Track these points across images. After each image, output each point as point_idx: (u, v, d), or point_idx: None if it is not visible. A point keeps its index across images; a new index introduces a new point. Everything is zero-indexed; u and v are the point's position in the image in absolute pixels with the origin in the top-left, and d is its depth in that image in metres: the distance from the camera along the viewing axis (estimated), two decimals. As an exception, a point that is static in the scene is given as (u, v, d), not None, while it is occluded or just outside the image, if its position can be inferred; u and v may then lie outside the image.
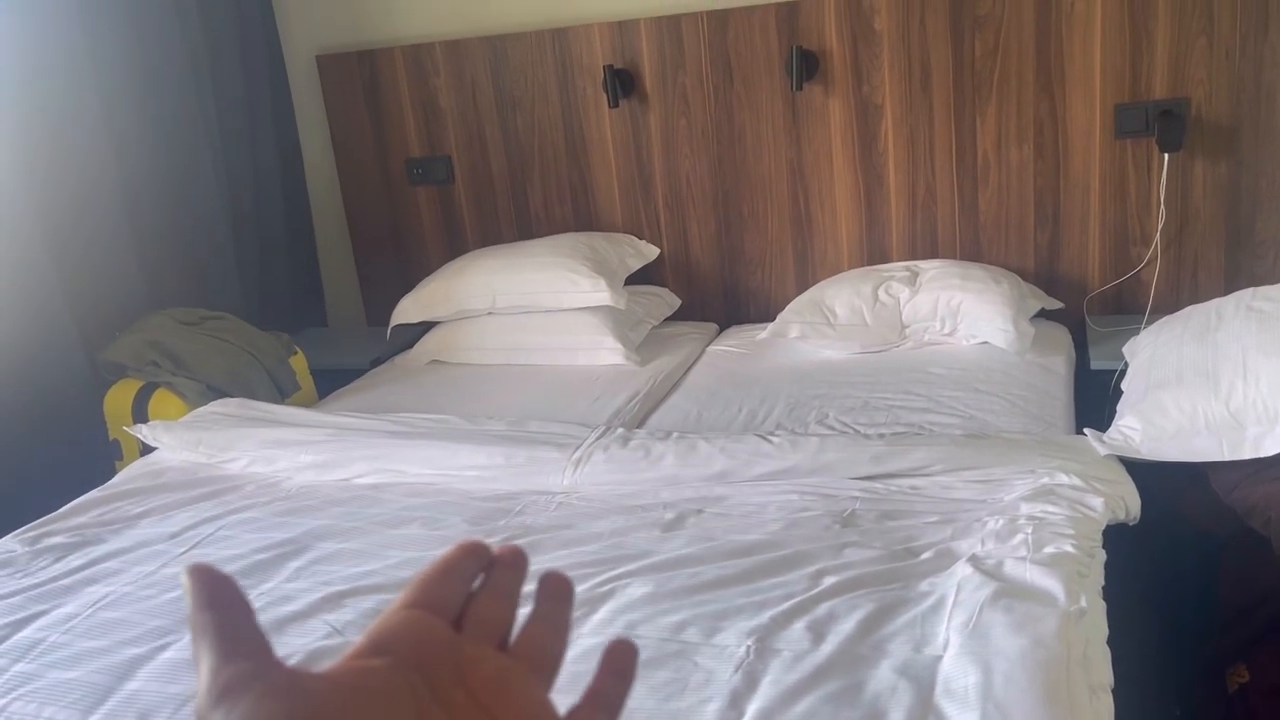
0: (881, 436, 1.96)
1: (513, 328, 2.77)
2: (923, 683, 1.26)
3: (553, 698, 0.39)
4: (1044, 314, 2.65)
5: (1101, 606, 1.43)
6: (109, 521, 1.94)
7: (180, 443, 2.19)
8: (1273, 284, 2.13)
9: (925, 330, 2.56)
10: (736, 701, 1.26)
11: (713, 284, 3.03)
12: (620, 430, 2.08)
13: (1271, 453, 1.76)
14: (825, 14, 2.70)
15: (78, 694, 1.41)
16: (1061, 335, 2.60)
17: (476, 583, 0.41)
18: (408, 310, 2.88)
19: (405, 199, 3.21)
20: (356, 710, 0.33)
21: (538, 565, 1.54)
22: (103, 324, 2.62)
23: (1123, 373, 2.25)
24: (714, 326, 2.98)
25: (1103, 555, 1.56)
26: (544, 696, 0.38)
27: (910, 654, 1.32)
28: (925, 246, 2.81)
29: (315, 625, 1.53)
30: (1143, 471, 1.82)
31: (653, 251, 3.00)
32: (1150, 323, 2.38)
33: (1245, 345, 1.91)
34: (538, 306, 2.75)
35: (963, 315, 2.51)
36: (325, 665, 0.35)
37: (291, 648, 1.48)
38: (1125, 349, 2.32)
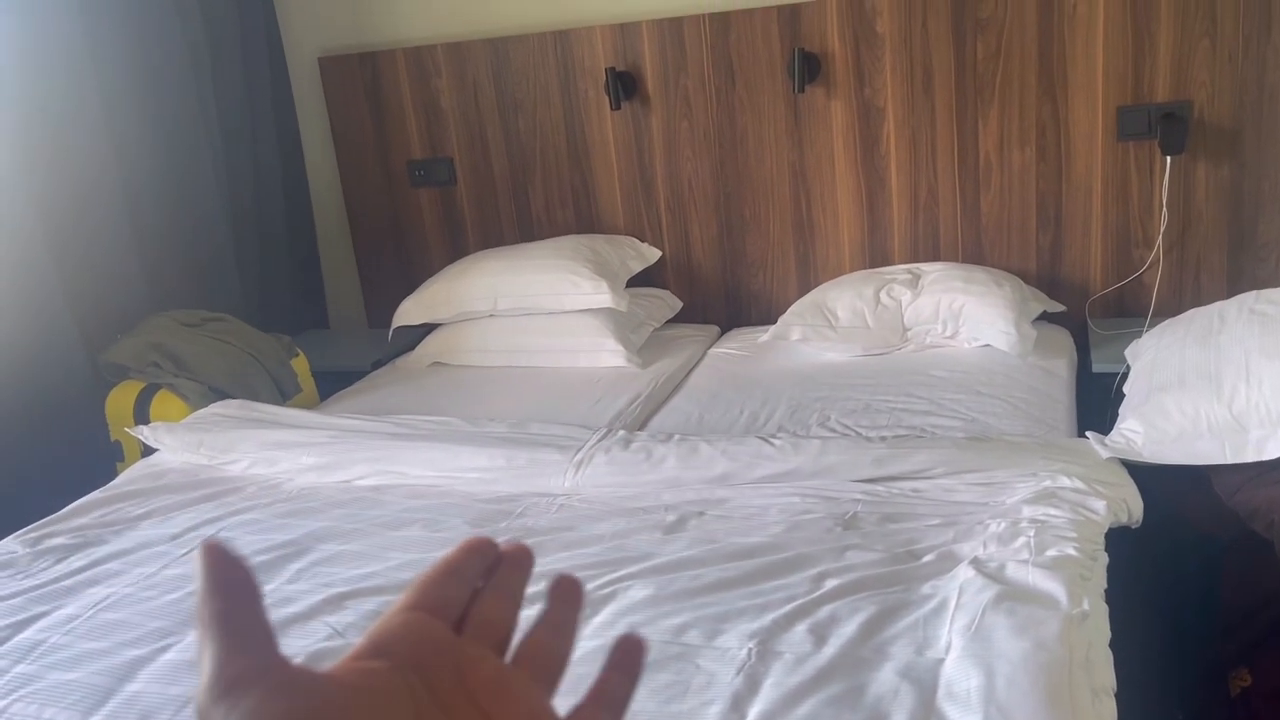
0: (883, 439, 1.96)
1: (514, 330, 2.77)
2: (925, 685, 1.26)
3: (555, 699, 0.38)
4: (1046, 317, 2.65)
5: (1104, 609, 1.43)
6: (110, 523, 1.94)
7: (181, 444, 2.19)
8: (1275, 287, 2.12)
9: (927, 333, 2.55)
10: (738, 704, 1.26)
11: (714, 286, 3.02)
12: (622, 432, 2.08)
13: (1274, 456, 1.75)
14: (827, 16, 2.70)
15: (78, 695, 1.41)
16: (1063, 338, 2.60)
17: (481, 581, 0.40)
18: (409, 312, 2.88)
19: (407, 200, 3.21)
20: (358, 710, 0.33)
21: (539, 567, 1.53)
22: (104, 325, 2.62)
23: (1124, 376, 2.25)
24: (715, 329, 2.98)
25: (1105, 558, 1.55)
26: (544, 700, 0.37)
27: (912, 657, 1.32)
28: (927, 249, 2.81)
29: (316, 627, 1.53)
30: (1145, 474, 1.81)
31: (654, 254, 3.00)
32: (1152, 326, 2.37)
33: (1248, 348, 1.91)
34: (539, 309, 2.75)
35: (964, 318, 2.50)
36: (326, 665, 0.34)
37: (293, 649, 1.48)
38: (1127, 352, 2.32)
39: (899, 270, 2.75)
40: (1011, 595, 1.38)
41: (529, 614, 0.40)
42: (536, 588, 0.41)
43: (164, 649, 1.50)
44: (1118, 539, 1.65)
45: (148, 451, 2.31)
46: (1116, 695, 1.29)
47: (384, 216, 3.25)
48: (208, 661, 0.33)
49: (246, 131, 3.09)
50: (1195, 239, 2.61)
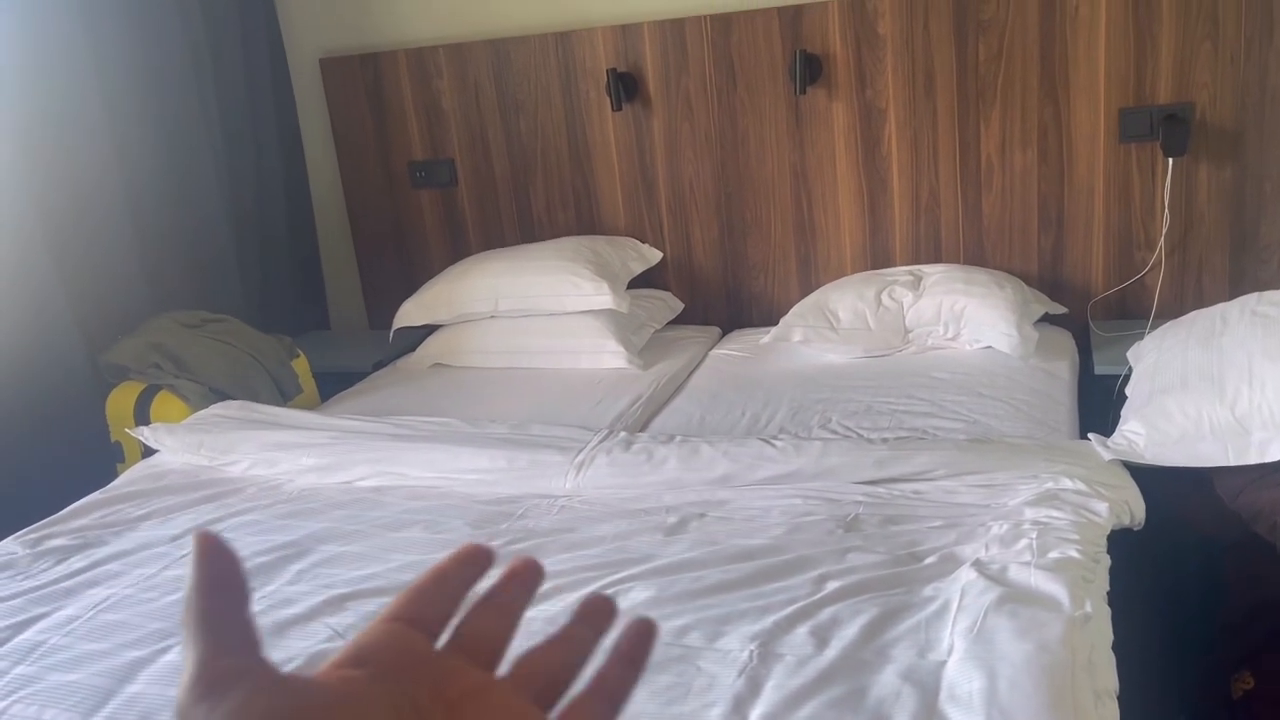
0: (885, 441, 1.96)
1: (515, 331, 2.77)
2: (927, 688, 1.25)
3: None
4: (1047, 319, 2.65)
5: (1106, 612, 1.43)
6: (110, 524, 1.93)
7: (182, 445, 2.19)
8: (1277, 289, 2.12)
9: (928, 335, 2.55)
10: (739, 706, 1.25)
11: (715, 288, 3.02)
12: (623, 434, 2.08)
13: (1277, 458, 1.75)
14: (829, 18, 2.69)
15: (78, 696, 1.41)
16: (1065, 340, 2.60)
17: (479, 587, 0.40)
18: (410, 313, 2.87)
19: (408, 202, 3.21)
20: (339, 714, 0.33)
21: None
22: (105, 326, 2.62)
23: (1126, 378, 2.25)
24: (717, 330, 2.98)
25: (1107, 560, 1.55)
26: (528, 709, 0.36)
27: (914, 659, 1.31)
28: (928, 251, 2.80)
29: (317, 628, 1.53)
30: (1147, 476, 1.81)
31: (655, 255, 3.00)
32: (1154, 327, 2.37)
33: (1251, 350, 1.91)
34: (540, 310, 2.75)
35: (966, 320, 2.50)
36: (308, 671, 0.34)
37: (293, 650, 1.48)
38: (1129, 354, 2.32)
39: (900, 272, 2.75)
40: (1014, 597, 1.38)
41: (551, 632, 0.39)
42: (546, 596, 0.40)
43: (164, 650, 1.50)
44: (1119, 541, 1.65)
45: (148, 452, 2.30)
46: (1119, 698, 1.29)
47: (385, 218, 3.25)
48: (191, 660, 0.33)
49: (248, 132, 3.09)
50: (1197, 241, 2.61)
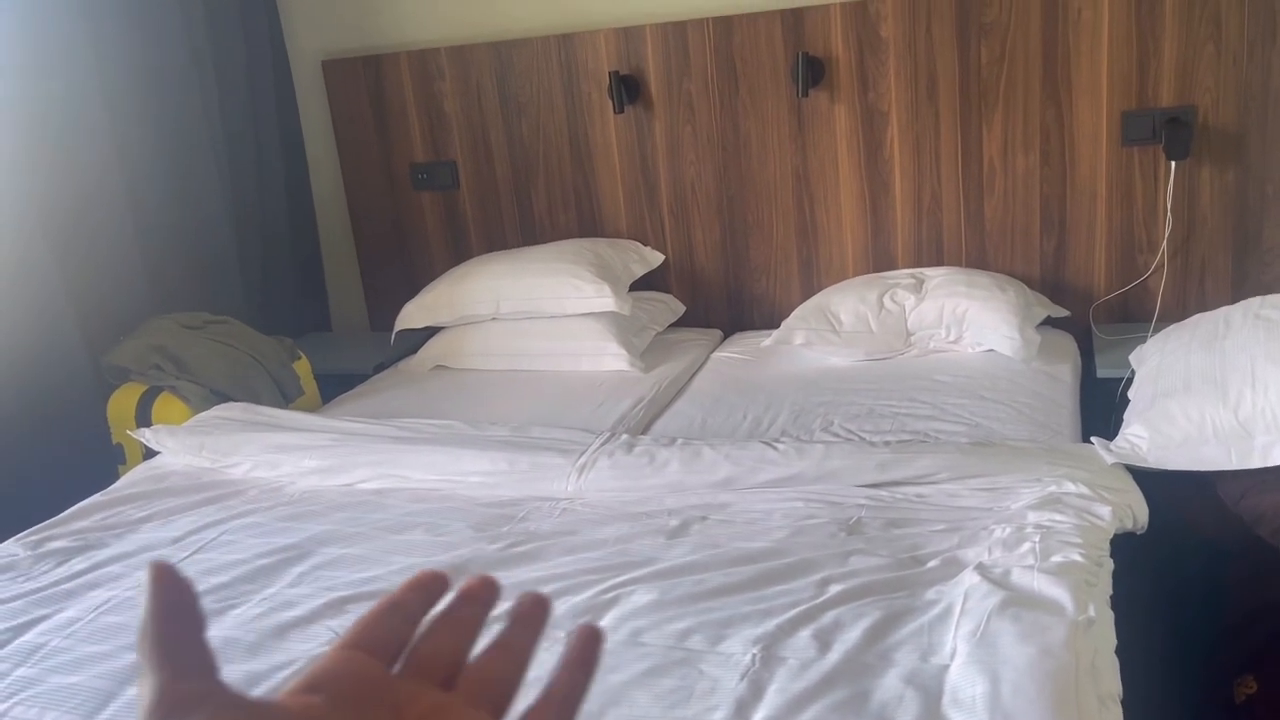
0: (887, 444, 1.95)
1: (517, 333, 2.77)
2: (930, 692, 1.25)
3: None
4: (1050, 322, 2.64)
5: (1109, 616, 1.42)
6: (111, 526, 1.93)
7: (183, 447, 2.18)
8: (1280, 292, 2.12)
9: (931, 338, 2.55)
10: (742, 710, 1.25)
11: (717, 290, 3.02)
12: (625, 436, 2.07)
13: (1280, 462, 1.75)
14: (831, 20, 2.69)
15: (79, 699, 1.40)
16: (1067, 343, 2.59)
17: (436, 612, 0.40)
18: (412, 315, 2.87)
19: (410, 203, 3.21)
20: None
21: (543, 572, 1.52)
22: (106, 328, 2.62)
23: (1129, 381, 2.24)
24: (718, 333, 2.98)
25: (1110, 564, 1.55)
26: None
27: (917, 663, 1.31)
28: (931, 254, 2.80)
29: (318, 631, 1.53)
30: (1149, 480, 1.81)
31: (657, 258, 3.00)
32: (1157, 331, 2.37)
33: (1254, 354, 1.90)
34: (542, 312, 2.75)
35: (968, 323, 2.50)
36: (265, 696, 0.34)
37: (294, 653, 1.47)
38: (1132, 357, 2.31)
39: (902, 275, 2.74)
40: (1017, 601, 1.38)
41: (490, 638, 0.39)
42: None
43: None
44: (1122, 544, 1.64)
45: (149, 454, 2.30)
46: (1122, 702, 1.29)
47: (386, 219, 3.25)
48: (150, 686, 0.33)
49: (249, 134, 3.09)
50: (1200, 244, 2.61)
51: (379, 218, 3.26)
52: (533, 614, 0.41)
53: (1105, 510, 1.64)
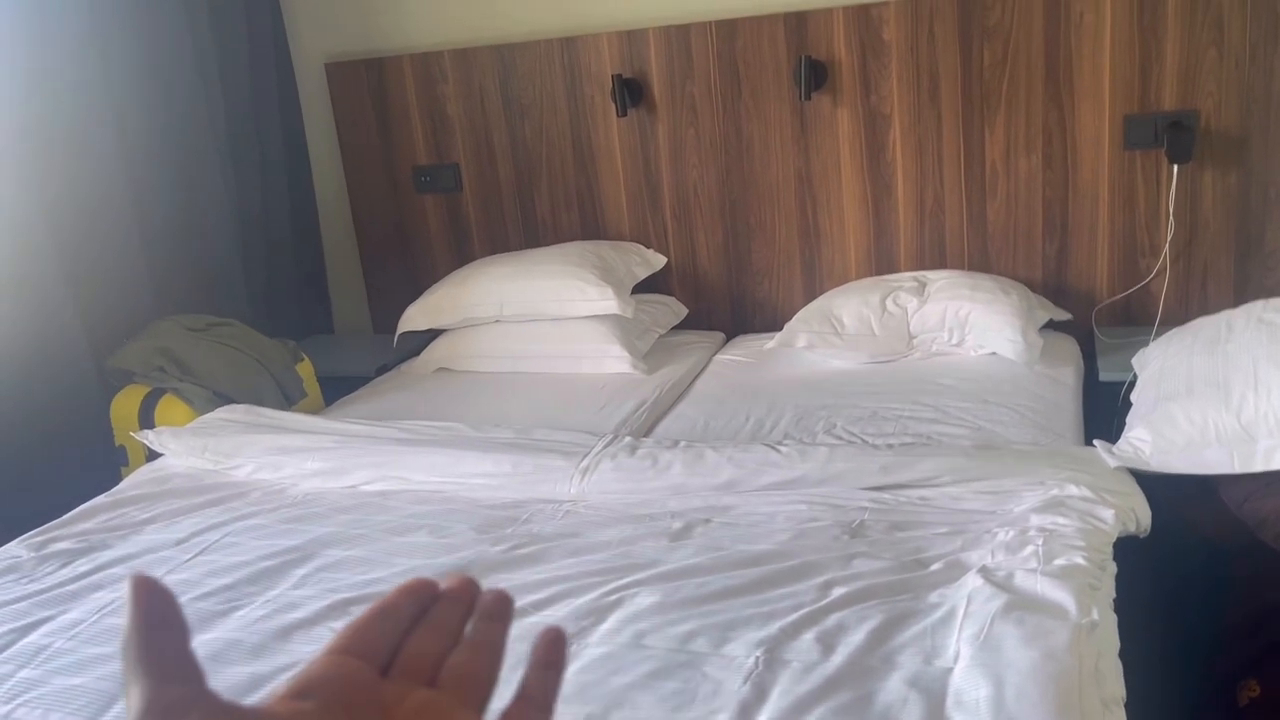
0: (890, 447, 1.95)
1: (519, 335, 2.77)
2: (933, 695, 1.25)
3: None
4: (1052, 325, 2.64)
5: (1113, 619, 1.42)
6: (115, 527, 1.93)
7: (186, 449, 2.19)
8: (1283, 296, 2.12)
9: (933, 341, 2.55)
10: (745, 712, 1.25)
11: (720, 293, 3.02)
12: (627, 439, 2.08)
13: (1283, 465, 1.75)
14: (834, 24, 2.70)
15: (83, 700, 1.41)
16: (1070, 346, 2.59)
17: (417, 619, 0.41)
18: (414, 318, 2.88)
19: (412, 206, 3.21)
20: None
21: (545, 574, 1.51)
22: (111, 330, 2.62)
23: (1132, 384, 2.24)
24: (721, 335, 2.98)
25: (1113, 567, 1.55)
26: (471, 718, 0.38)
27: (920, 666, 1.31)
28: (933, 257, 2.80)
29: (321, 632, 1.53)
30: (1152, 483, 1.81)
31: (660, 260, 3.00)
32: (1159, 334, 2.37)
33: (1256, 357, 1.90)
34: (545, 314, 2.75)
35: (971, 326, 2.50)
36: (253, 703, 0.35)
37: (298, 655, 1.47)
38: (1134, 360, 2.31)
39: (905, 278, 2.75)
40: (1020, 604, 1.38)
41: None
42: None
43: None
44: (1124, 548, 1.64)
45: (152, 456, 2.30)
46: (1125, 705, 1.29)
47: (390, 222, 3.25)
48: (137, 693, 0.33)
49: (253, 137, 3.09)
50: (1202, 247, 2.61)
51: (382, 220, 3.26)
52: (498, 609, 0.42)
53: (1108, 513, 1.64)
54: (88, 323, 2.57)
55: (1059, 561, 1.48)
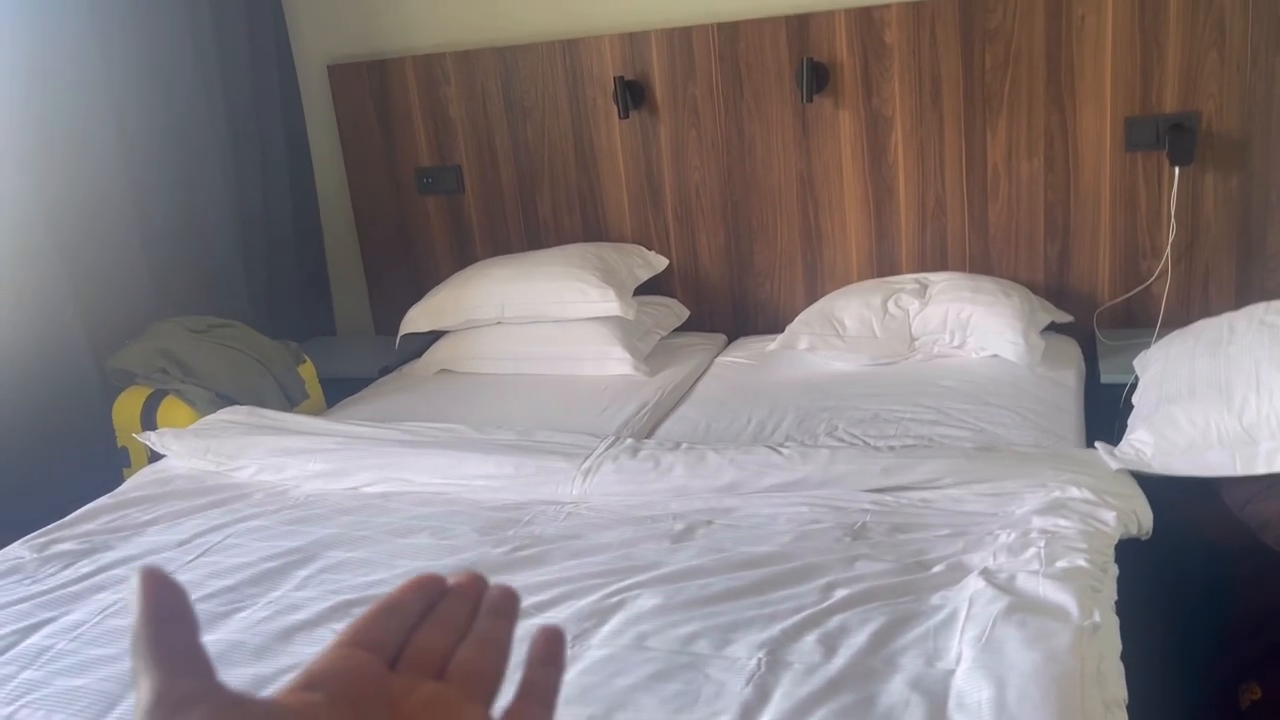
0: (892, 449, 1.96)
1: (521, 337, 2.77)
2: (935, 697, 1.25)
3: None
4: (1054, 327, 2.64)
5: (1114, 621, 1.43)
6: (117, 528, 1.94)
7: (189, 450, 2.19)
8: (1285, 298, 2.12)
9: (935, 343, 2.55)
10: (748, 714, 1.25)
11: (722, 295, 3.02)
12: (629, 440, 2.08)
13: (1285, 468, 1.75)
14: (836, 26, 2.70)
15: (85, 701, 1.41)
16: (1071, 348, 2.60)
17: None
18: (416, 319, 2.88)
19: (415, 208, 3.22)
20: None
21: (547, 576, 1.51)
22: (112, 331, 2.63)
23: (1133, 387, 2.24)
24: (723, 337, 2.98)
25: (1115, 569, 1.55)
26: (479, 713, 0.38)
27: (922, 668, 1.31)
28: (935, 259, 2.80)
29: (323, 634, 1.53)
30: (1154, 486, 1.81)
31: (662, 262, 3.00)
32: (1161, 337, 2.37)
33: (1258, 359, 1.90)
34: (546, 316, 2.75)
35: (972, 328, 2.50)
36: (263, 695, 0.35)
37: (299, 656, 1.48)
38: (1136, 362, 2.31)
39: (907, 280, 2.75)
40: (1022, 606, 1.38)
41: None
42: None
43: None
44: (1126, 550, 1.64)
45: (155, 457, 2.31)
46: (1127, 708, 1.29)
47: (392, 224, 3.26)
48: (147, 686, 0.33)
49: (255, 138, 3.09)
50: (1203, 250, 2.61)
51: (384, 222, 3.26)
52: (505, 605, 0.42)
53: (1110, 515, 1.64)
54: (88, 323, 2.57)
55: (1061, 563, 1.48)
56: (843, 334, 2.59)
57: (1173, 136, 2.50)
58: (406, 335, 2.93)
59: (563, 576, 1.61)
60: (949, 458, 1.86)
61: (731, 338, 2.99)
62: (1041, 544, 1.54)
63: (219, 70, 2.95)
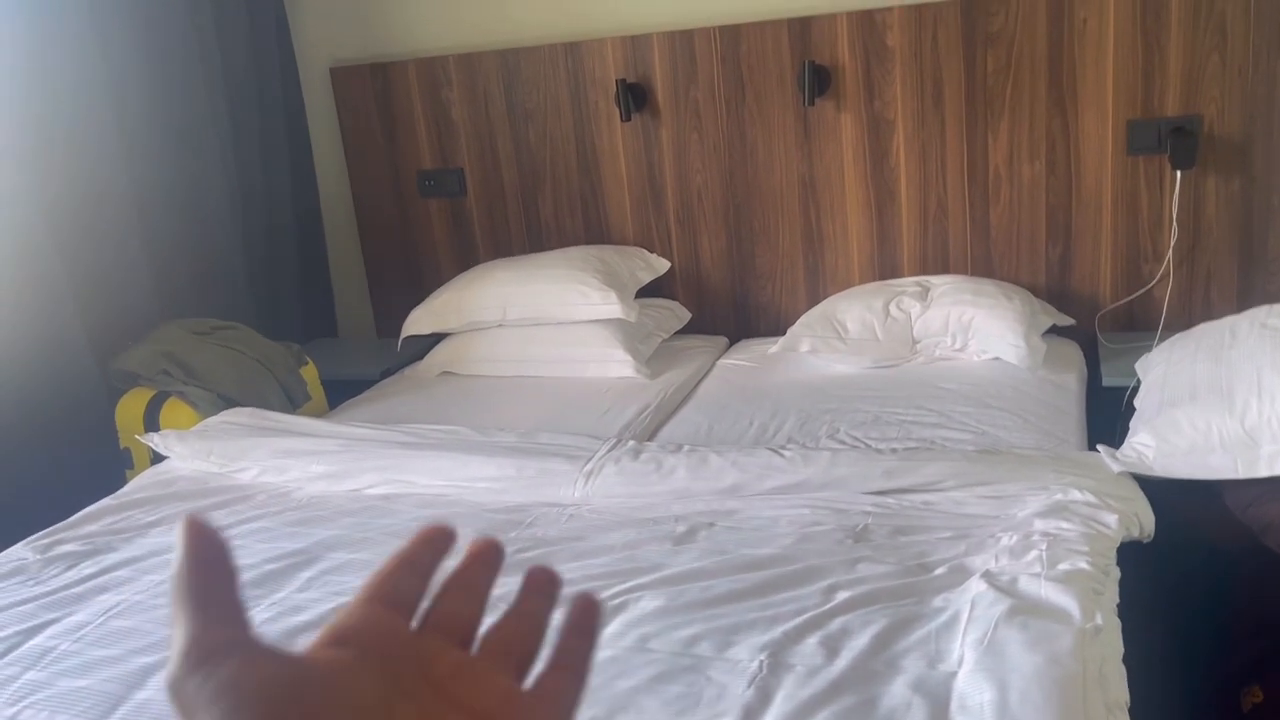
0: (894, 451, 1.96)
1: (523, 339, 2.78)
2: (937, 699, 1.25)
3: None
4: (1055, 330, 2.65)
5: (1116, 624, 1.43)
6: (120, 530, 1.94)
7: (191, 452, 2.19)
8: (1286, 301, 2.12)
9: (936, 345, 2.55)
10: (750, 716, 1.25)
11: (723, 297, 3.03)
12: (631, 443, 2.08)
13: (1286, 471, 1.75)
14: (838, 29, 2.70)
15: (88, 702, 1.41)
16: (1073, 351, 2.60)
17: (442, 572, 0.40)
18: (419, 321, 2.88)
19: (417, 210, 3.22)
20: (330, 687, 0.33)
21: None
22: (114, 333, 2.63)
23: (1135, 390, 2.24)
24: (724, 340, 2.98)
25: (1117, 572, 1.55)
26: (509, 684, 0.37)
27: (924, 670, 1.31)
28: (936, 262, 2.81)
29: (326, 636, 1.53)
30: (1156, 488, 1.81)
31: (663, 264, 3.01)
32: (1162, 340, 2.37)
33: (1260, 363, 1.90)
34: (548, 318, 2.75)
35: (974, 331, 2.50)
36: (293, 649, 0.35)
37: (303, 658, 1.48)
38: (1138, 365, 2.31)
39: (908, 283, 2.75)
40: (1024, 609, 1.38)
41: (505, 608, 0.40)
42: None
43: (174, 657, 1.50)
44: (1128, 552, 1.64)
45: (157, 459, 2.31)
46: (1129, 711, 1.29)
47: (394, 226, 3.26)
48: (182, 633, 0.33)
49: (257, 141, 3.10)
50: (1205, 253, 2.61)
51: (386, 224, 3.27)
52: (548, 587, 0.42)
53: (1112, 518, 1.64)
54: (88, 323, 2.58)
55: (1063, 566, 1.48)
56: (844, 337, 2.59)
57: (1174, 140, 2.50)
58: (408, 337, 2.93)
59: (565, 578, 1.60)
60: (951, 460, 1.86)
61: (733, 340, 2.99)
62: (1043, 546, 1.54)
63: (221, 70, 2.96)
